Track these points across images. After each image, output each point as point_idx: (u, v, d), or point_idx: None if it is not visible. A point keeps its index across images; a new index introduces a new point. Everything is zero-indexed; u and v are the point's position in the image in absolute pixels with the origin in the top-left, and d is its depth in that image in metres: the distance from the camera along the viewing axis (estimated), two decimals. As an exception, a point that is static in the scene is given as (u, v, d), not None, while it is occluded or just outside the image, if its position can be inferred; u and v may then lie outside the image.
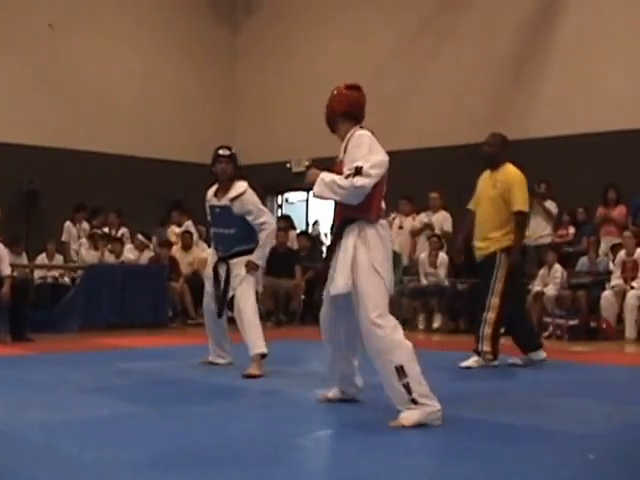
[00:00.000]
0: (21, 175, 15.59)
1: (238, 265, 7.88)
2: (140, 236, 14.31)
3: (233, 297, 7.91)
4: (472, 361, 8.20)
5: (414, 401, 5.23)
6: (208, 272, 8.30)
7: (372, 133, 5.74)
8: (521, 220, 8.19)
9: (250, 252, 7.87)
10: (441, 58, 15.85)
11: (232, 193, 7.94)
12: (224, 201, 7.96)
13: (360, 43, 16.96)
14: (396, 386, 5.25)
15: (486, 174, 8.44)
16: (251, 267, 7.81)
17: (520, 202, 8.11)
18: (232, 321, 8.18)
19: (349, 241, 5.49)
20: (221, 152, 8.09)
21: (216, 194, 8.11)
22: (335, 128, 5.92)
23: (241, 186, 7.99)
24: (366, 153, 5.48)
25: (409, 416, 5.22)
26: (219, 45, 19.17)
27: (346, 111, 5.84)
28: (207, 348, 8.47)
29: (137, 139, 17.28)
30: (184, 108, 18.32)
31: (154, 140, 17.52)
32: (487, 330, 8.09)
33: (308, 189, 5.98)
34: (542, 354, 8.49)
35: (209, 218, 8.28)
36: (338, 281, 5.48)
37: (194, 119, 18.36)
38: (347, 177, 5.39)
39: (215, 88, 18.99)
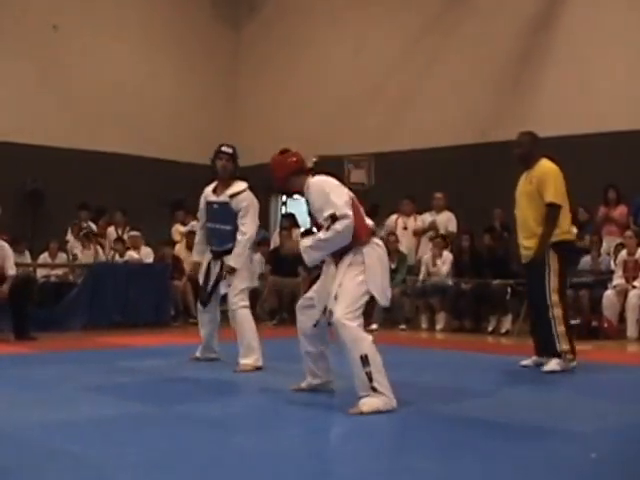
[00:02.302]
0: (24, 174, 15.61)
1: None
2: (134, 232, 14.27)
3: (226, 293, 8.13)
4: (554, 364, 7.93)
5: (374, 389, 5.65)
6: (201, 270, 8.42)
7: (328, 174, 6.16)
8: (551, 213, 7.93)
9: None
10: (444, 59, 15.85)
11: (232, 190, 8.11)
12: (223, 197, 8.12)
13: (363, 43, 16.94)
14: (360, 374, 5.68)
15: (524, 174, 8.29)
16: (228, 271, 7.98)
17: (551, 194, 7.94)
18: (224, 318, 8.50)
19: (344, 262, 5.90)
20: (223, 149, 8.25)
21: (215, 190, 8.24)
22: (291, 190, 6.37)
23: (241, 185, 8.18)
24: (328, 198, 5.85)
25: (368, 402, 5.65)
26: (222, 45, 19.16)
27: (292, 171, 6.23)
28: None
29: (140, 139, 17.28)
30: (187, 108, 18.32)
31: (157, 140, 17.52)
32: (560, 328, 7.89)
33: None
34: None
35: (203, 214, 8.38)
36: (319, 300, 6.09)
37: (197, 119, 18.37)
38: (328, 228, 5.79)
39: (218, 88, 18.99)
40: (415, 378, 7.60)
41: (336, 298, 5.78)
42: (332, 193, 5.88)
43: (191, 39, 18.52)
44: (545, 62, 14.61)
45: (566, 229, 8.12)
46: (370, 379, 5.63)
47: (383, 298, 5.94)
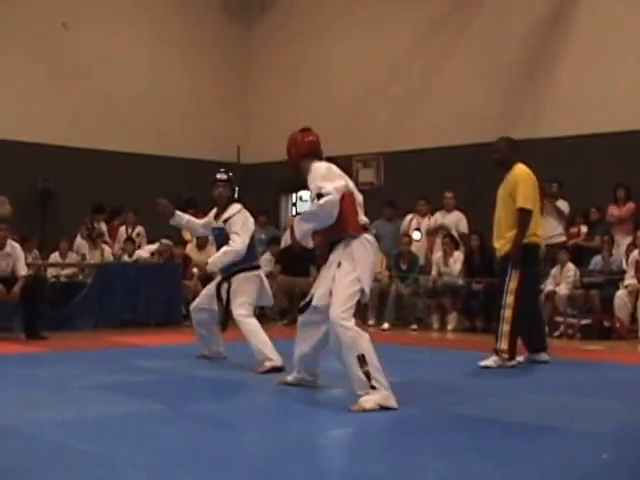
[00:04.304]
0: (35, 174, 15.60)
1: (241, 279, 8.19)
2: (165, 240, 14.14)
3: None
4: (491, 360, 8.22)
5: (373, 387, 5.74)
6: (210, 288, 8.53)
7: (330, 161, 6.34)
8: (521, 217, 8.19)
9: (248, 269, 8.23)
10: (454, 57, 15.80)
11: (226, 214, 8.32)
12: (220, 223, 8.36)
13: (373, 42, 16.90)
14: (358, 373, 5.76)
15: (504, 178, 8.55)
16: (201, 268, 8.16)
17: (521, 199, 8.18)
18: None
19: (335, 255, 6.06)
20: (219, 176, 8.59)
21: (216, 217, 8.49)
22: (300, 170, 6.47)
23: (234, 208, 8.36)
24: (319, 182, 6.03)
25: (368, 399, 5.72)
26: (232, 43, 19.13)
27: (306, 153, 6.46)
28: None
29: (150, 137, 17.26)
30: (198, 106, 18.29)
31: (167, 138, 17.50)
32: (505, 327, 8.16)
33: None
34: (545, 356, 8.68)
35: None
36: (318, 294, 6.12)
37: (208, 117, 18.34)
38: (312, 203, 6.03)
39: (228, 86, 18.96)
40: (426, 378, 7.60)
41: (333, 298, 5.91)
42: (324, 178, 6.06)
43: (202, 38, 18.49)
44: (557, 60, 14.54)
45: (533, 232, 8.35)
46: (369, 378, 5.72)
47: (365, 295, 6.05)
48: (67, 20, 16.27)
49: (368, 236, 6.14)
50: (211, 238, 14.81)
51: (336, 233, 6.05)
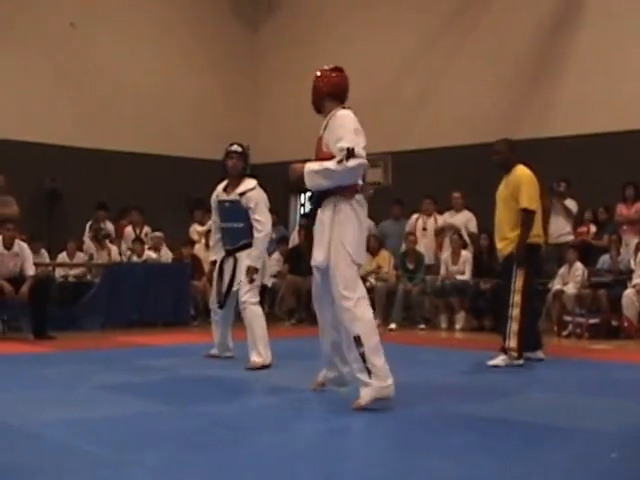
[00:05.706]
0: (43, 174, 15.62)
1: (245, 257, 8.15)
2: (157, 233, 14.22)
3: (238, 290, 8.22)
4: (499, 360, 8.28)
5: (368, 370, 5.67)
6: (214, 269, 8.55)
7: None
8: (526, 217, 8.27)
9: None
10: (461, 57, 15.78)
11: (241, 188, 8.27)
12: (233, 195, 8.28)
13: (380, 42, 16.89)
14: (354, 354, 5.71)
15: (503, 179, 8.65)
16: (251, 272, 8.05)
17: (525, 200, 8.27)
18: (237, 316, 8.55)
19: (325, 217, 5.89)
20: (233, 148, 8.49)
21: (226, 189, 8.41)
22: (321, 108, 6.26)
23: (251, 182, 8.33)
24: (352, 134, 5.82)
25: (365, 394, 5.69)
26: (240, 43, 19.14)
27: (332, 91, 6.21)
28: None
29: (158, 137, 17.27)
30: (205, 107, 18.31)
31: (176, 138, 17.51)
32: (514, 326, 8.22)
33: (294, 188, 6.37)
34: (540, 354, 8.79)
35: (216, 213, 8.53)
36: (317, 255, 5.93)
37: (216, 118, 18.34)
38: (340, 161, 5.73)
39: (236, 86, 18.97)
40: (433, 377, 7.59)
41: (332, 276, 5.81)
42: (357, 132, 5.88)
43: (210, 38, 18.50)
44: (563, 61, 14.51)
45: (535, 233, 8.45)
46: (364, 359, 5.66)
47: (358, 257, 5.89)
48: (75, 20, 16.29)
49: (359, 197, 5.95)
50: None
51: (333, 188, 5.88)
